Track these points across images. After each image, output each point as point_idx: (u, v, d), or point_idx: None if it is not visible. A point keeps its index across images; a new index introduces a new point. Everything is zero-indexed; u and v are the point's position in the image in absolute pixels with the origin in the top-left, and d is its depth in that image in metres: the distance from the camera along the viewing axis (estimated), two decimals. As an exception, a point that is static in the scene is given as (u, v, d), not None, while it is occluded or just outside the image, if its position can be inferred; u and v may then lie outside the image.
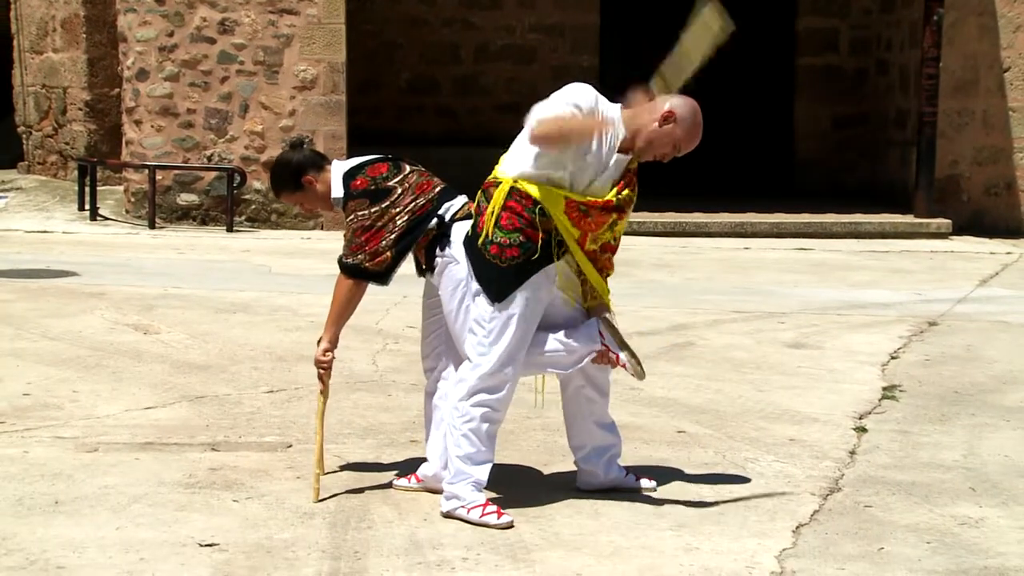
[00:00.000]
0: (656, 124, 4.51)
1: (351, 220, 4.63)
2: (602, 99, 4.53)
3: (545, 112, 4.40)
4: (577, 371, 4.69)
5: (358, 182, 4.66)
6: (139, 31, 13.04)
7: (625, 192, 4.57)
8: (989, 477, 5.17)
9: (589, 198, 4.49)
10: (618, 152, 4.52)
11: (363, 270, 4.61)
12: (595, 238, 4.56)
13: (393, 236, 4.60)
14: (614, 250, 4.68)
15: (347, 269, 4.63)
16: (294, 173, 4.78)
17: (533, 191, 4.48)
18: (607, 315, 4.66)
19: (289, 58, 13.01)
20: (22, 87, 16.15)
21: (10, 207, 13.96)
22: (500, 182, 4.55)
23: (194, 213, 13.14)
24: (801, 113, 15.96)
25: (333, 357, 4.76)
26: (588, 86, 4.54)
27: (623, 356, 4.59)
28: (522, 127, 4.56)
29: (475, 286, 4.53)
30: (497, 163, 4.66)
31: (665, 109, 4.51)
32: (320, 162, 4.80)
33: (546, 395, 5.02)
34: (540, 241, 4.48)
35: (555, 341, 4.62)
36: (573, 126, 4.40)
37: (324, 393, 4.81)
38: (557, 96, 4.48)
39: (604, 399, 4.81)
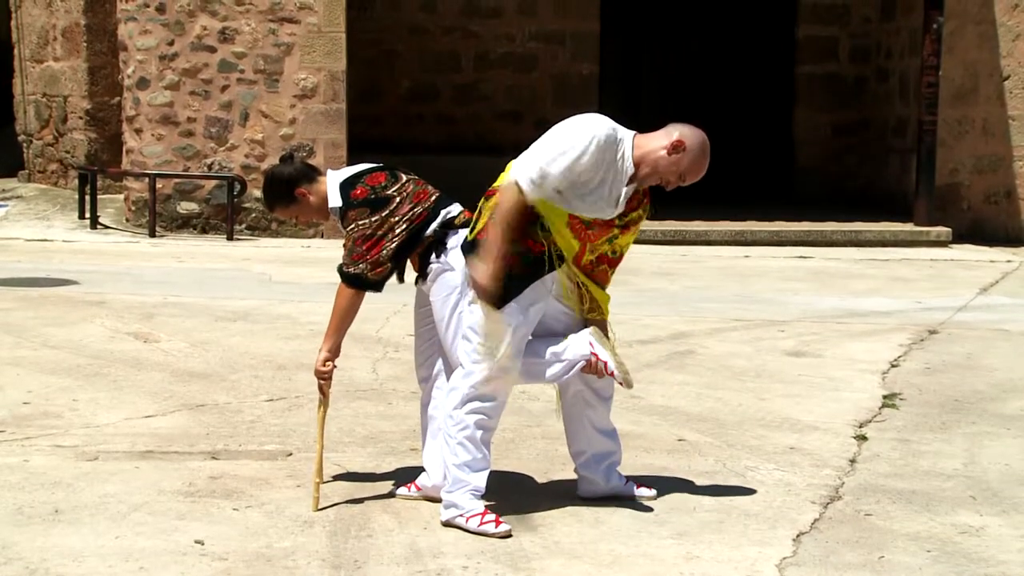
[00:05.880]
0: (664, 152, 4.51)
1: (352, 229, 4.63)
2: (620, 131, 4.50)
3: (527, 175, 4.37)
4: (576, 376, 4.68)
5: (358, 191, 4.66)
6: (140, 40, 13.05)
7: (633, 214, 4.58)
8: (990, 485, 5.17)
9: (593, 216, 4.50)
10: (626, 185, 4.52)
11: (364, 279, 4.61)
12: (593, 249, 4.55)
13: (393, 245, 4.60)
14: (612, 262, 4.65)
15: (348, 279, 4.63)
16: (287, 186, 4.78)
17: (536, 204, 4.47)
18: (599, 325, 4.66)
19: (289, 66, 13.03)
20: (23, 96, 16.16)
21: (10, 216, 13.97)
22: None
23: (194, 221, 13.15)
24: (801, 121, 15.98)
25: (334, 366, 4.76)
26: (603, 122, 4.45)
27: (611, 365, 4.59)
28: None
29: (470, 293, 4.53)
30: (504, 170, 4.64)
31: (675, 138, 4.51)
32: (312, 174, 4.81)
33: (546, 402, 5.03)
34: (540, 253, 4.48)
35: (546, 350, 4.62)
36: (496, 218, 4.38)
37: (324, 403, 4.81)
38: (562, 141, 4.39)
39: (604, 404, 4.80)
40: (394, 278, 4.75)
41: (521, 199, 4.40)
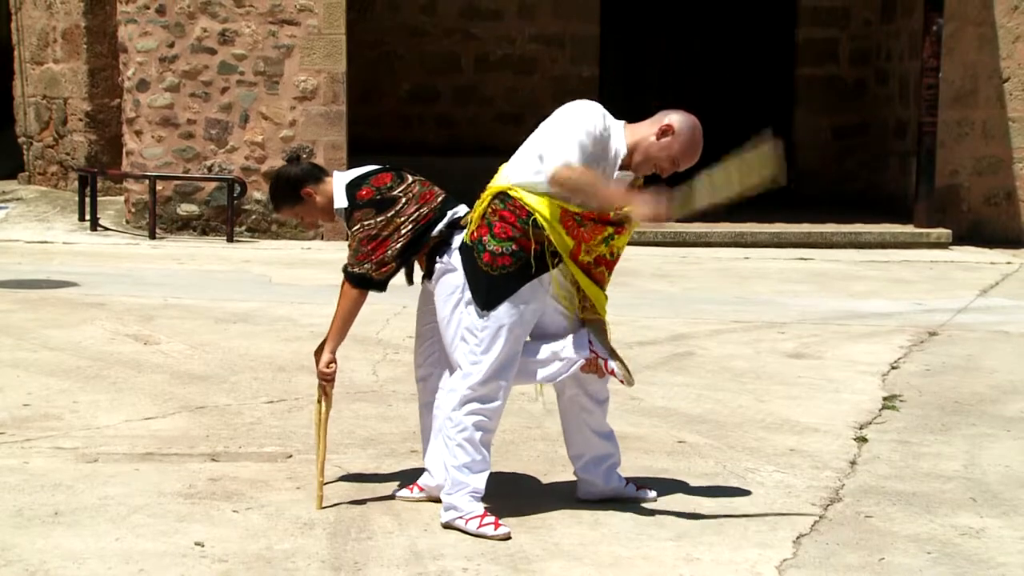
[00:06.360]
0: (654, 137, 4.51)
1: (357, 230, 4.65)
2: (608, 117, 4.53)
3: (570, 157, 4.34)
4: (571, 379, 4.68)
5: (363, 192, 4.67)
6: (140, 42, 13.05)
7: (626, 209, 4.57)
8: (990, 487, 5.17)
9: (585, 210, 4.49)
10: (619, 169, 4.52)
11: (369, 279, 4.62)
12: (589, 249, 4.54)
13: (399, 246, 4.61)
14: (609, 264, 4.64)
15: (353, 279, 4.64)
16: (293, 186, 4.80)
17: (529, 200, 4.48)
18: (599, 324, 4.66)
19: (289, 68, 13.03)
20: (23, 98, 16.16)
21: (10, 217, 13.97)
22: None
23: (194, 223, 13.15)
24: (801, 123, 15.97)
25: (336, 367, 4.77)
26: (594, 104, 4.53)
27: (612, 364, 4.59)
28: (523, 137, 4.58)
29: (468, 294, 4.54)
30: (497, 172, 4.66)
31: (664, 123, 4.51)
32: (319, 174, 4.82)
33: (546, 404, 5.04)
34: (533, 251, 4.48)
35: (545, 349, 4.62)
36: (590, 188, 4.36)
37: (327, 403, 4.81)
38: (569, 123, 4.42)
39: (600, 408, 4.80)
40: (402, 278, 4.76)
41: (580, 170, 4.36)
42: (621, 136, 4.52)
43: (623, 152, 4.50)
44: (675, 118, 4.53)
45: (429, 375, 4.83)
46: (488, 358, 4.50)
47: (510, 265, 4.48)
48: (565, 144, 4.38)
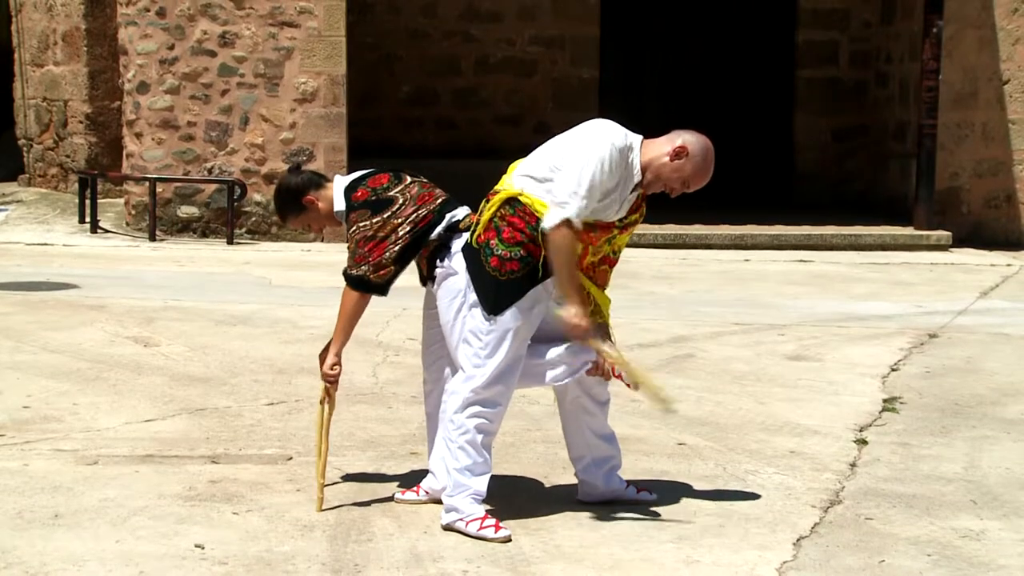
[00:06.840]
0: (668, 158, 4.52)
1: (353, 231, 4.65)
2: (628, 136, 4.53)
3: (580, 190, 4.37)
4: (574, 382, 4.68)
5: (359, 193, 4.68)
6: (140, 44, 13.06)
7: (633, 216, 4.62)
8: (990, 489, 5.17)
9: (595, 219, 4.51)
10: (631, 192, 4.55)
11: (367, 282, 4.62)
12: (595, 251, 4.57)
13: (397, 248, 4.61)
14: (612, 262, 4.69)
15: (352, 281, 4.64)
16: (295, 195, 4.81)
17: (538, 207, 4.48)
18: (601, 328, 4.66)
19: (289, 70, 13.03)
20: (23, 100, 16.16)
21: (11, 220, 13.97)
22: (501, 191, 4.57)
23: (194, 225, 13.15)
24: (801, 125, 15.97)
25: (340, 370, 4.77)
26: (615, 128, 4.53)
27: (618, 367, 4.60)
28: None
29: (472, 297, 4.53)
30: (505, 172, 4.65)
31: (678, 144, 4.52)
32: (319, 180, 4.83)
33: (546, 406, 5.04)
34: (541, 257, 4.49)
35: (551, 352, 4.62)
36: (565, 264, 4.42)
37: (330, 405, 4.81)
38: (589, 151, 4.42)
39: (602, 410, 4.80)
40: (403, 280, 4.76)
41: (574, 237, 4.42)
42: (638, 156, 4.52)
43: (638, 176, 4.52)
44: (689, 140, 4.54)
45: (437, 379, 4.82)
46: (492, 362, 4.50)
47: (518, 270, 4.48)
48: (579, 175, 4.39)
